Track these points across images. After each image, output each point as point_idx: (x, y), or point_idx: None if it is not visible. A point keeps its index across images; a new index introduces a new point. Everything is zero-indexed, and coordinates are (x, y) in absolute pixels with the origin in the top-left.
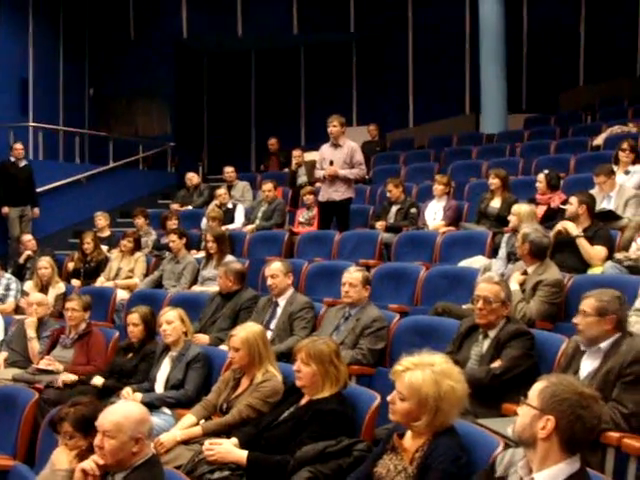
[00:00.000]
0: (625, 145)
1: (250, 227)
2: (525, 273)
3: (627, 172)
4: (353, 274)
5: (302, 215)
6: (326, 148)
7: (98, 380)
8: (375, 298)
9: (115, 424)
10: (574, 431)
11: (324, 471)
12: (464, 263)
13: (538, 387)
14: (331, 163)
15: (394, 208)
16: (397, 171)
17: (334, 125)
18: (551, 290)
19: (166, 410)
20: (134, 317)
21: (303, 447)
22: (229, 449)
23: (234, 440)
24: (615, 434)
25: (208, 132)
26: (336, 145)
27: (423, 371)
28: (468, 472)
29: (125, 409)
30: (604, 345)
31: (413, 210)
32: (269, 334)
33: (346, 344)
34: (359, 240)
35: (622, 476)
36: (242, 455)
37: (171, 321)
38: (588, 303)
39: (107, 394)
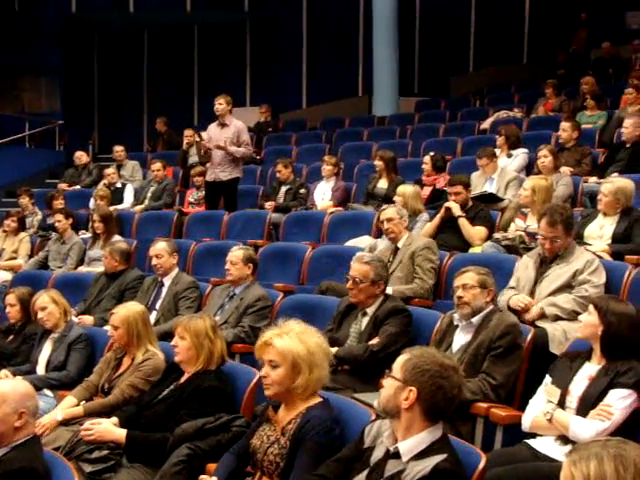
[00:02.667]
0: (503, 131)
1: (139, 207)
2: (396, 249)
3: (510, 155)
4: (234, 252)
5: (192, 195)
6: (213, 127)
7: None
8: (262, 277)
9: (0, 395)
10: (436, 401)
11: (203, 447)
12: (350, 243)
13: (401, 360)
14: (218, 147)
15: (283, 188)
16: (288, 152)
17: (220, 103)
18: (429, 252)
19: (48, 392)
20: (10, 298)
21: (182, 424)
22: (108, 428)
23: (114, 419)
24: (484, 405)
25: (99, 110)
26: (223, 124)
27: (287, 335)
28: (341, 444)
29: (12, 383)
30: (476, 320)
31: (302, 190)
32: (154, 314)
33: (230, 322)
34: (248, 220)
35: (490, 444)
36: (121, 434)
37: (44, 307)
38: (470, 276)
39: None
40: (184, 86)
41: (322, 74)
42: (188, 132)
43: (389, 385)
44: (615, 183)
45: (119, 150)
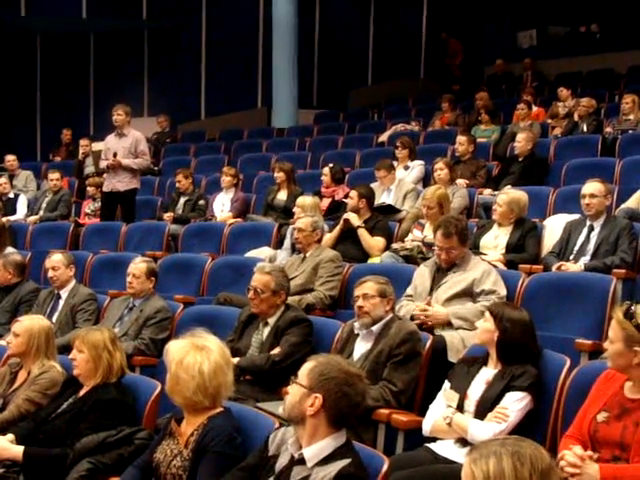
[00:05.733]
0: (398, 142)
1: (33, 218)
2: (304, 257)
3: (407, 167)
4: (137, 265)
5: (88, 206)
6: (111, 138)
7: None
8: (162, 289)
9: None
10: (340, 407)
11: (105, 461)
12: (250, 254)
13: (307, 367)
14: (114, 155)
15: (182, 199)
16: (187, 163)
17: (119, 114)
18: (332, 265)
19: None
20: None
21: (83, 438)
22: (3, 445)
23: (10, 436)
24: (385, 411)
25: None
26: (121, 135)
27: (197, 352)
28: (243, 453)
29: None
30: (376, 328)
31: (201, 202)
32: None
33: (129, 335)
34: (146, 231)
35: (392, 449)
36: (18, 451)
37: None
38: (369, 286)
39: None
40: (80, 95)
41: (221, 85)
42: (84, 142)
43: (295, 392)
44: (510, 194)
45: (11, 160)
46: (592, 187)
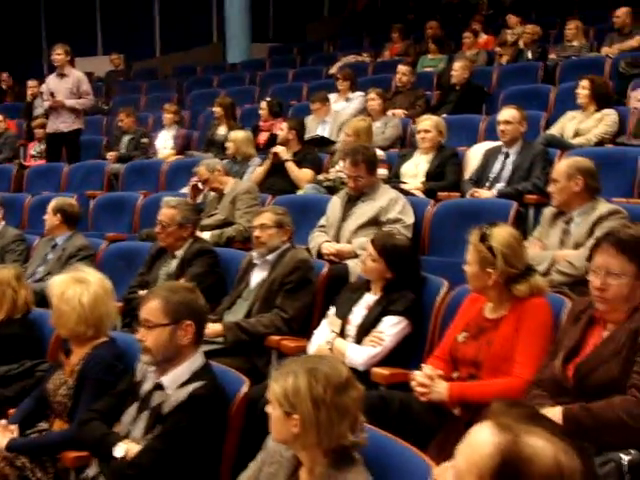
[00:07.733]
0: (339, 74)
1: None
2: (221, 194)
3: (348, 99)
4: (50, 203)
5: (34, 148)
6: (52, 78)
7: None
8: (96, 227)
9: None
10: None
11: (7, 394)
12: (185, 190)
13: (153, 305)
14: (52, 95)
15: (126, 138)
16: (137, 101)
17: (58, 54)
18: (248, 197)
19: None
20: None
21: None
22: None
23: None
24: (276, 337)
25: None
26: (62, 75)
27: (77, 285)
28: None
29: None
30: (271, 257)
31: (144, 140)
32: None
33: (52, 273)
34: (87, 171)
35: None
36: None
37: None
38: (267, 217)
39: None
40: (30, 34)
41: (175, 21)
42: (32, 83)
43: (160, 334)
44: (432, 119)
45: None
46: (506, 114)
